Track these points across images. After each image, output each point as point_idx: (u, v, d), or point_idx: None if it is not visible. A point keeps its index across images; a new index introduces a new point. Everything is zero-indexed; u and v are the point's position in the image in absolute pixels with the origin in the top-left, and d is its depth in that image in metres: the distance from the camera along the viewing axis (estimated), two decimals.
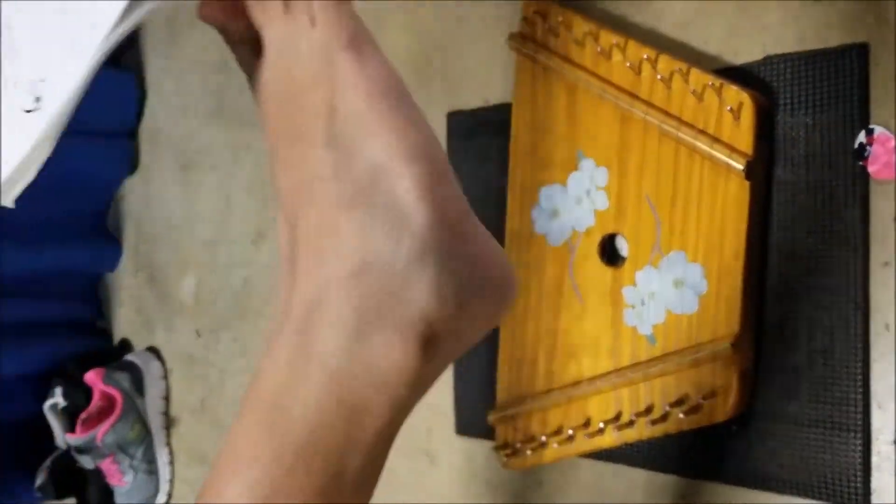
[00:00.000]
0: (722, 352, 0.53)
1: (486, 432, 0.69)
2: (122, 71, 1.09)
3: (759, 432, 0.55)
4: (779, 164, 0.55)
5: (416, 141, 0.27)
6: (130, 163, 1.11)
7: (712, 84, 0.53)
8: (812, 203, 0.53)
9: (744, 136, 0.53)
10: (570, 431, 0.60)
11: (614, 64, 0.59)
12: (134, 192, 1.12)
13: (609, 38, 0.59)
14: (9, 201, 0.35)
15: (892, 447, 0.51)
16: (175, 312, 1.05)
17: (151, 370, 1.04)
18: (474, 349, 0.74)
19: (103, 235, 1.14)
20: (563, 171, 0.62)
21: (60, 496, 1.06)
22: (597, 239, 0.61)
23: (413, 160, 0.26)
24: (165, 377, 1.05)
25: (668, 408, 0.55)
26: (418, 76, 0.77)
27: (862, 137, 0.51)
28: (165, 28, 1.06)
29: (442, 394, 0.75)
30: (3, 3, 0.39)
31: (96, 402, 1.01)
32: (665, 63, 0.56)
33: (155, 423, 1.02)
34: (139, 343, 1.10)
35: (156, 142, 1.09)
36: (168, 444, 1.03)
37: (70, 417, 1.03)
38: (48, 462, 1.04)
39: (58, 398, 1.03)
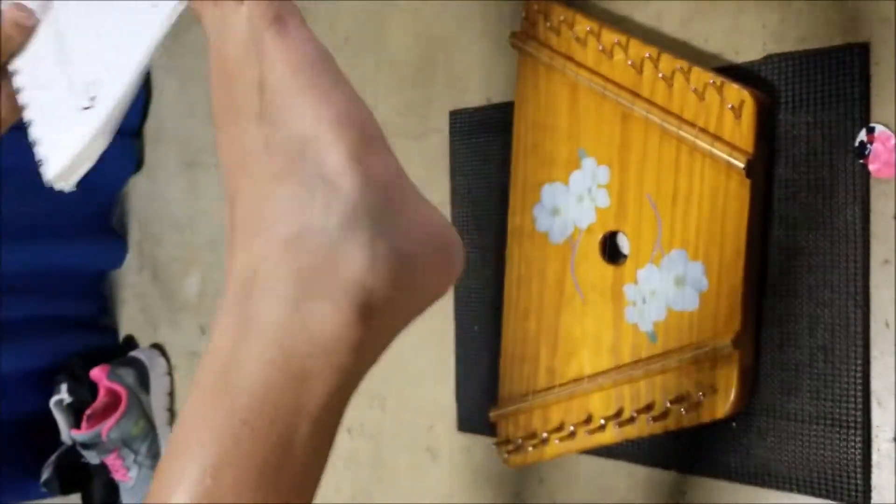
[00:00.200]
0: (723, 349, 0.53)
1: (488, 429, 0.69)
2: None
3: (760, 429, 0.55)
4: (779, 162, 0.55)
5: (342, 109, 0.27)
6: (135, 161, 1.11)
7: (713, 82, 0.54)
8: (813, 201, 0.53)
9: (745, 135, 0.53)
10: (572, 428, 0.61)
11: (616, 62, 0.59)
12: (138, 190, 1.13)
13: (611, 36, 0.59)
14: (68, 186, 0.39)
15: (893, 444, 0.51)
16: (179, 309, 1.05)
17: (156, 367, 1.04)
18: (475, 348, 0.75)
19: (108, 233, 1.15)
20: (564, 169, 0.63)
21: (65, 491, 1.07)
22: (598, 237, 0.61)
23: (339, 128, 0.27)
24: (170, 373, 1.05)
25: (668, 404, 0.55)
26: (421, 75, 0.77)
27: (863, 136, 0.51)
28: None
29: (444, 390, 0.75)
30: (58, 15, 0.41)
31: (101, 398, 1.02)
32: (666, 62, 0.56)
33: (159, 418, 1.03)
34: (144, 340, 1.11)
35: (160, 140, 1.10)
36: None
37: (75, 413, 1.04)
38: (53, 458, 1.05)
39: (63, 394, 1.04)
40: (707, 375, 0.54)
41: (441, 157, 0.76)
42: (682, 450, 0.59)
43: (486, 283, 0.71)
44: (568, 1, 0.63)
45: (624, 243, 0.61)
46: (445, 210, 0.75)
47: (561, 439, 0.61)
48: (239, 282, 0.27)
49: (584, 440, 0.60)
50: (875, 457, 0.51)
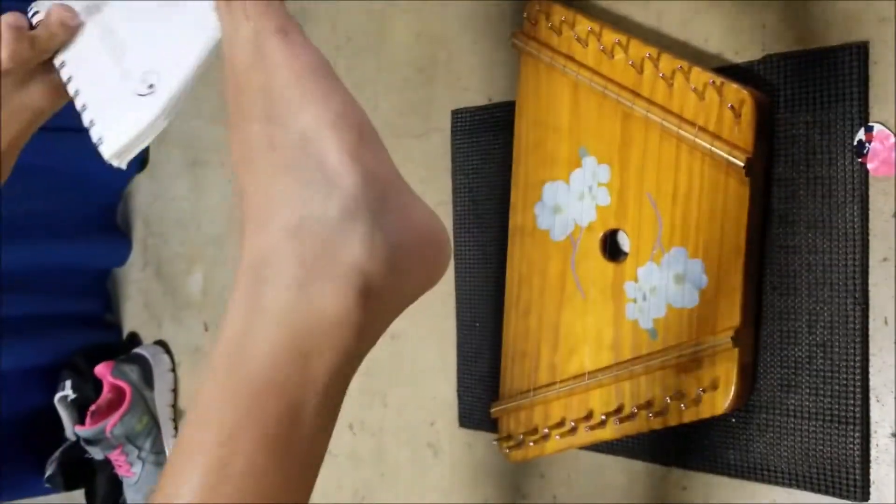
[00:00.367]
0: (722, 345, 0.54)
1: (489, 424, 0.70)
2: None
3: (759, 425, 0.56)
4: (779, 161, 0.55)
5: (340, 110, 0.30)
6: (140, 159, 1.12)
7: (713, 82, 0.54)
8: (812, 199, 0.54)
9: (744, 134, 0.53)
10: (572, 423, 0.61)
11: (616, 62, 0.59)
12: (143, 188, 1.13)
13: (611, 36, 0.59)
14: (123, 164, 0.42)
15: (891, 440, 0.51)
16: (183, 306, 1.06)
17: (160, 363, 1.05)
18: (476, 344, 0.75)
19: (112, 231, 1.15)
20: (565, 167, 0.63)
21: (69, 487, 1.08)
22: (599, 235, 0.61)
23: (338, 127, 0.29)
24: (173, 370, 1.06)
25: (668, 401, 0.56)
26: (423, 75, 0.78)
27: (861, 135, 0.52)
28: None
29: (445, 386, 0.76)
30: (107, 13, 0.45)
31: (105, 394, 1.02)
32: (666, 61, 0.57)
33: (163, 415, 1.03)
34: (147, 336, 1.12)
35: (165, 139, 1.10)
36: (176, 435, 1.05)
37: (79, 409, 1.04)
38: (57, 453, 1.06)
39: (67, 391, 1.04)
40: (707, 372, 0.55)
41: (442, 155, 0.76)
42: (682, 446, 0.60)
43: (487, 281, 0.72)
44: (569, 1, 0.64)
45: (624, 241, 0.61)
46: (447, 208, 0.75)
47: (562, 435, 0.62)
48: (249, 267, 0.29)
49: (585, 436, 0.61)
50: (874, 452, 0.52)
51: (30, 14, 0.48)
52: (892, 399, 0.51)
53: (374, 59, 0.82)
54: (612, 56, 0.59)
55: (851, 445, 0.52)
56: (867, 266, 0.52)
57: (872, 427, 0.52)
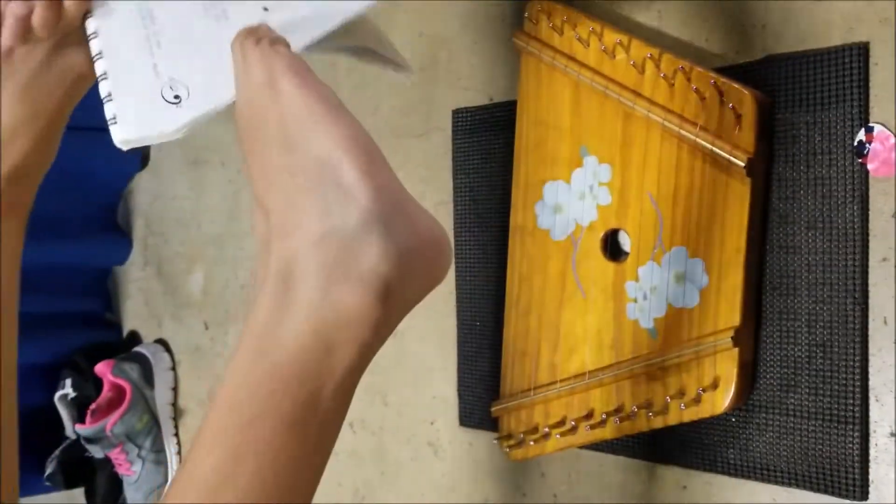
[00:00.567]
0: (722, 345, 0.54)
1: (489, 423, 0.70)
2: None
3: (759, 424, 0.56)
4: (779, 160, 0.55)
5: (350, 136, 0.33)
6: (141, 158, 1.12)
7: (714, 82, 0.54)
8: (812, 199, 0.54)
9: (745, 134, 0.54)
10: (573, 423, 0.61)
11: (618, 62, 0.59)
12: (143, 187, 1.13)
13: (612, 36, 0.59)
14: (126, 148, 0.43)
15: (890, 440, 0.51)
16: (183, 305, 1.06)
17: (160, 362, 1.05)
18: (477, 343, 0.75)
19: (113, 230, 1.15)
20: (566, 167, 0.63)
21: (70, 486, 1.08)
22: (599, 234, 0.61)
23: (349, 151, 0.33)
24: (174, 369, 1.06)
25: (668, 400, 0.56)
26: (424, 74, 0.78)
27: (861, 135, 0.52)
28: None
29: (445, 385, 0.76)
30: (155, 7, 0.45)
31: (106, 393, 1.02)
32: (668, 61, 0.57)
33: (163, 413, 1.04)
34: (148, 335, 1.12)
35: None
36: (176, 434, 1.05)
37: (80, 408, 1.04)
38: (58, 452, 1.06)
39: (68, 389, 1.04)
40: (707, 371, 0.55)
41: (443, 155, 0.76)
42: (682, 445, 0.60)
43: (487, 280, 0.72)
44: (570, 1, 0.64)
45: (625, 241, 0.61)
46: (448, 207, 0.76)
47: (562, 434, 0.62)
48: (277, 272, 0.33)
49: (585, 435, 0.61)
50: (873, 452, 0.52)
51: None
52: (892, 399, 0.51)
53: None
54: (614, 56, 0.60)
55: (851, 445, 0.52)
56: (867, 266, 0.52)
57: (872, 427, 0.52)
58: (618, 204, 0.60)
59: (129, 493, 1.04)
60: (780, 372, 0.55)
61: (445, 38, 0.76)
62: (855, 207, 0.52)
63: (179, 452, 1.05)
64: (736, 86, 0.54)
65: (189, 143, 1.06)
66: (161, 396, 1.04)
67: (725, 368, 0.54)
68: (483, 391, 0.72)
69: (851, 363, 0.52)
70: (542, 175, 0.65)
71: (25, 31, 0.46)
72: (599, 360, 0.61)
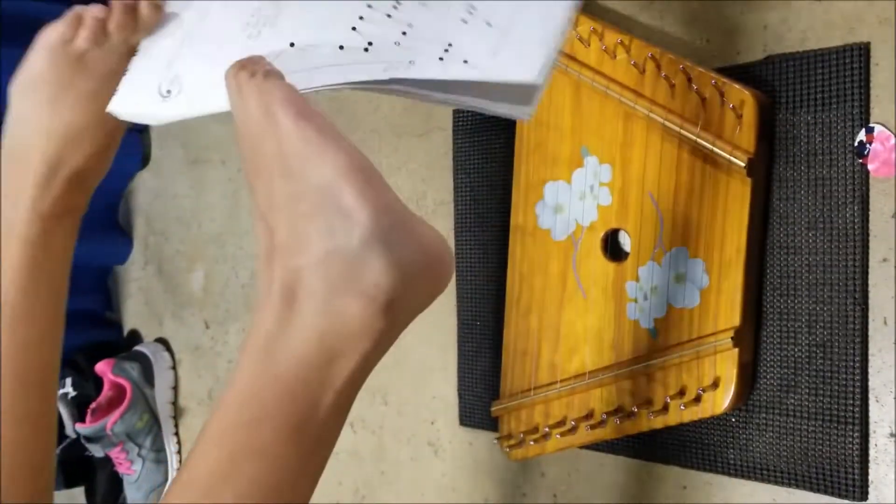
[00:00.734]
0: (722, 345, 0.54)
1: (490, 423, 0.70)
2: None
3: (759, 424, 0.56)
4: (780, 161, 0.55)
5: (347, 162, 0.35)
6: (142, 157, 1.12)
7: (715, 82, 0.54)
8: (812, 200, 0.54)
9: (745, 134, 0.54)
10: (573, 423, 0.61)
11: (618, 62, 0.60)
12: (144, 186, 1.13)
13: (613, 36, 0.59)
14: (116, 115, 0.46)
15: (890, 440, 0.51)
16: (184, 304, 1.06)
17: (160, 361, 1.05)
18: (477, 343, 0.75)
19: (114, 229, 1.15)
20: (567, 167, 0.63)
21: (70, 485, 1.08)
22: (600, 234, 0.61)
23: (347, 176, 0.34)
24: (174, 368, 1.06)
25: (669, 400, 0.56)
26: None
27: (862, 135, 0.52)
28: None
29: (446, 385, 0.76)
30: (198, 21, 0.47)
31: (106, 392, 1.02)
32: (668, 61, 0.57)
33: (163, 412, 1.04)
34: (148, 334, 1.12)
35: (166, 137, 1.10)
36: (176, 433, 1.05)
37: (80, 407, 1.04)
38: (57, 451, 1.06)
39: (68, 388, 1.04)
40: (707, 371, 0.55)
41: (444, 154, 0.76)
42: (682, 445, 0.60)
43: (488, 280, 0.72)
44: None
45: (626, 241, 0.61)
46: (448, 207, 0.76)
47: (562, 434, 0.62)
48: (282, 285, 0.34)
49: (586, 435, 0.61)
50: (873, 452, 0.52)
51: None
52: (892, 399, 0.51)
53: None
54: (615, 56, 0.60)
55: (850, 445, 0.52)
56: (867, 266, 0.52)
57: (871, 427, 0.52)
58: (618, 204, 0.60)
59: (130, 492, 1.04)
60: (780, 372, 0.55)
61: None
62: (855, 208, 0.52)
63: (180, 451, 1.05)
64: (737, 86, 0.54)
65: (190, 142, 1.06)
66: (161, 395, 1.04)
67: (725, 368, 0.54)
68: (483, 391, 0.72)
69: (851, 363, 0.52)
70: (543, 175, 0.65)
71: (101, 34, 0.48)
72: (600, 360, 0.61)
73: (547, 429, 0.63)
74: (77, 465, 1.07)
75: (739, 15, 0.58)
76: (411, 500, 0.79)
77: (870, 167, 0.52)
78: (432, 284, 0.36)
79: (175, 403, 1.05)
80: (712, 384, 0.55)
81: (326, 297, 0.34)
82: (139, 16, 0.48)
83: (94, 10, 0.48)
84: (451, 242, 0.75)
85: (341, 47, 0.41)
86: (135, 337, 1.14)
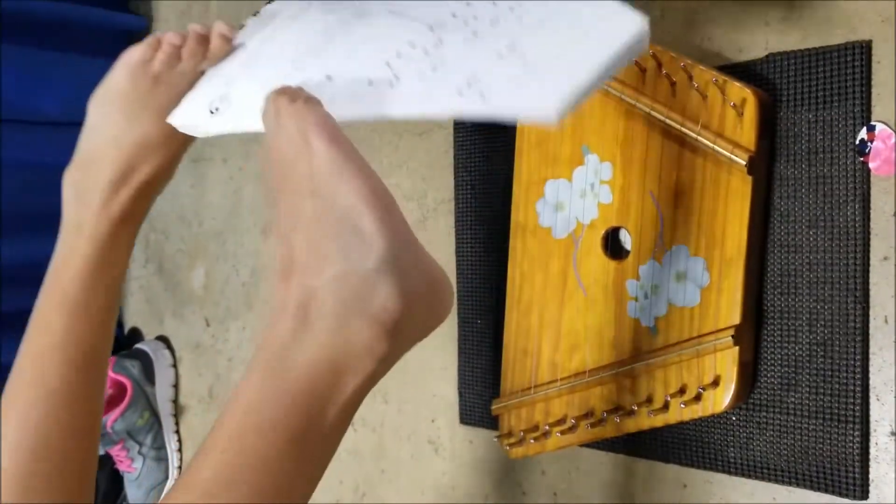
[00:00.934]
0: (723, 343, 0.54)
1: (490, 422, 0.70)
2: None
3: (759, 423, 0.56)
4: (781, 159, 0.55)
5: (371, 188, 0.37)
6: None
7: (716, 80, 0.54)
8: (813, 198, 0.54)
9: (746, 132, 0.54)
10: (573, 421, 0.61)
11: None
12: None
13: None
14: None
15: (891, 439, 0.51)
16: (184, 302, 1.06)
17: (161, 358, 1.05)
18: (477, 341, 0.75)
19: None
20: (567, 165, 0.63)
21: None
22: (601, 232, 0.61)
23: (370, 203, 0.36)
24: (175, 365, 1.06)
25: (669, 398, 0.56)
26: None
27: (863, 134, 0.52)
28: (176, 20, 1.07)
29: (446, 384, 0.76)
30: (264, 43, 0.51)
31: (106, 389, 1.02)
32: (669, 60, 0.57)
33: (164, 410, 1.04)
34: (149, 332, 1.12)
35: None
36: (177, 431, 1.05)
37: None
38: None
39: None
40: (707, 370, 0.55)
41: (445, 153, 0.76)
42: (683, 443, 0.60)
43: (488, 278, 0.72)
44: None
45: (626, 239, 0.61)
46: (449, 206, 0.76)
47: (562, 432, 0.62)
48: (298, 301, 0.36)
49: (586, 433, 0.61)
50: (873, 451, 0.52)
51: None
52: (892, 398, 0.51)
53: None
54: None
55: (851, 444, 0.52)
56: (868, 265, 0.52)
57: (872, 426, 0.52)
58: (619, 202, 0.60)
59: (130, 490, 1.04)
60: (780, 370, 0.55)
61: None
62: (856, 206, 0.52)
63: (180, 449, 1.05)
64: (738, 84, 0.54)
65: None
66: (162, 393, 1.04)
67: (726, 367, 0.54)
68: (483, 389, 0.72)
69: (852, 362, 0.52)
70: (544, 173, 0.65)
71: (175, 58, 0.54)
72: (600, 359, 0.61)
73: (547, 427, 0.63)
74: None
75: (741, 13, 0.58)
76: (411, 498, 0.79)
77: (871, 165, 0.52)
78: (433, 315, 0.39)
79: (176, 401, 1.05)
80: (713, 382, 0.55)
81: (338, 317, 0.36)
82: (210, 46, 0.54)
83: (171, 37, 0.54)
84: (452, 240, 0.75)
85: (370, 82, 0.43)
86: (135, 335, 1.14)
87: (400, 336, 0.37)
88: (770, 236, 0.56)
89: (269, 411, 0.35)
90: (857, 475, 0.52)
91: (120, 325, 1.17)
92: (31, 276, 1.05)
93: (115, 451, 1.02)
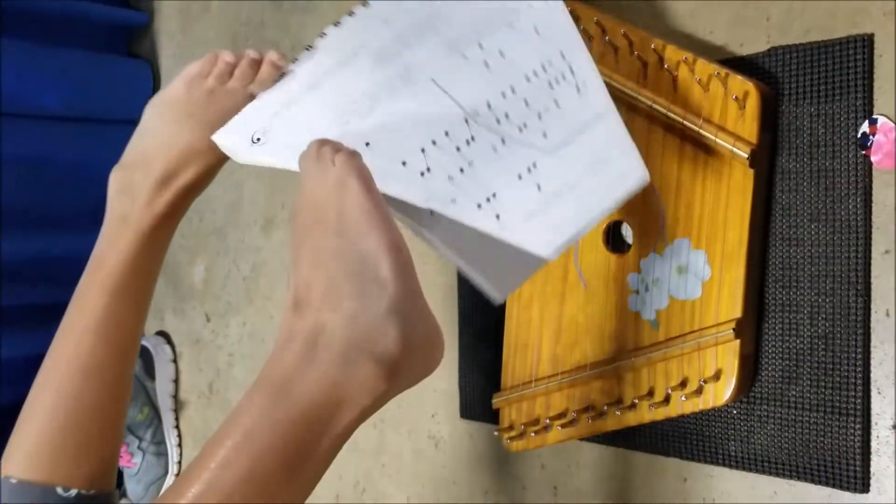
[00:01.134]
0: (724, 336, 0.54)
1: (490, 416, 0.70)
2: (136, 60, 1.10)
3: (760, 416, 0.56)
4: (782, 152, 0.55)
5: (392, 239, 0.40)
6: None
7: (718, 74, 0.54)
8: (815, 191, 0.54)
9: (748, 125, 0.54)
10: (574, 414, 0.61)
11: (621, 53, 0.59)
12: None
13: (617, 28, 0.59)
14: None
15: (892, 432, 0.51)
16: (185, 297, 1.06)
17: (161, 354, 1.05)
18: (478, 335, 0.75)
19: None
20: None
21: None
22: (602, 225, 0.61)
23: (390, 252, 0.40)
24: (175, 361, 1.06)
25: (670, 391, 0.56)
26: None
27: (865, 127, 0.52)
28: (178, 16, 1.07)
29: (447, 378, 0.76)
30: (324, 86, 0.52)
31: None
32: (671, 53, 0.57)
33: (164, 405, 1.04)
34: (149, 327, 1.12)
35: None
36: (177, 426, 1.05)
37: None
38: None
39: None
40: (708, 363, 0.55)
41: None
42: (683, 437, 0.60)
43: None
44: None
45: (627, 232, 0.61)
46: None
47: (563, 426, 0.62)
48: (309, 334, 0.39)
49: (586, 427, 0.61)
50: (874, 444, 0.52)
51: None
52: (893, 391, 0.51)
53: None
54: (618, 48, 0.60)
55: (852, 437, 0.52)
56: (869, 258, 0.52)
57: (873, 419, 0.52)
58: None
59: (130, 485, 1.04)
60: (781, 364, 0.55)
61: None
62: (858, 199, 0.52)
63: (180, 444, 1.05)
64: (740, 77, 0.54)
65: None
66: (162, 388, 1.04)
67: (727, 360, 0.54)
68: (484, 383, 0.72)
69: (853, 355, 0.52)
70: None
71: (227, 77, 0.59)
72: (601, 352, 0.61)
73: (548, 420, 0.63)
74: None
75: (743, 6, 0.58)
76: (412, 492, 0.79)
77: (873, 159, 0.52)
78: (427, 364, 0.42)
79: (176, 396, 1.05)
80: (714, 376, 0.55)
81: (345, 353, 0.38)
82: (260, 71, 0.60)
83: (227, 56, 0.60)
84: None
85: (404, 163, 0.47)
86: None
87: (397, 378, 0.39)
88: (771, 229, 0.56)
89: (267, 435, 0.37)
90: (858, 468, 0.52)
91: None
92: (31, 270, 1.05)
93: None
